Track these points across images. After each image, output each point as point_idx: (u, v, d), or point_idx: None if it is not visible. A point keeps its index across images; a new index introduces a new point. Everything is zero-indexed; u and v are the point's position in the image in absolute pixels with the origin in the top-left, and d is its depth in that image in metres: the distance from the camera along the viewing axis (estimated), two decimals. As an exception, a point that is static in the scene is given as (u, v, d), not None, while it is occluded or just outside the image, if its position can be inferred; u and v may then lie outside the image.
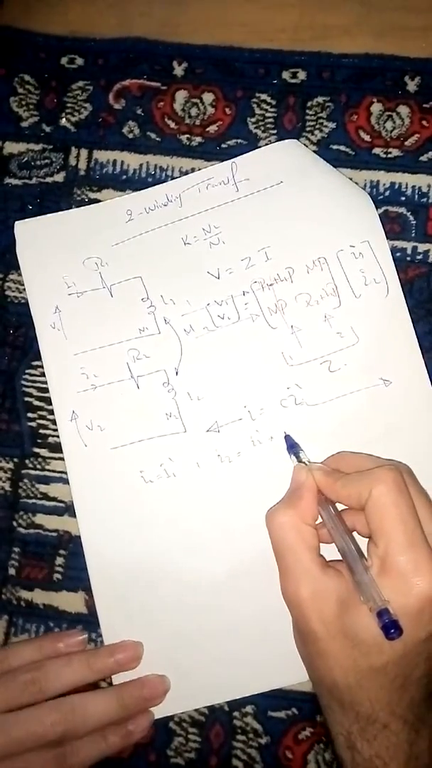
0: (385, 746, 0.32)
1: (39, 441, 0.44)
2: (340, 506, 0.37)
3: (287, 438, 0.41)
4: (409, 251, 0.45)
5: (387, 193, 0.46)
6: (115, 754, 0.39)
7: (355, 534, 0.36)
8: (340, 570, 0.35)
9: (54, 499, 0.44)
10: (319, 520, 0.37)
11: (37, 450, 0.44)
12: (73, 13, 0.49)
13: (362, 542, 0.36)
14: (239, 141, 0.47)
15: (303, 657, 0.36)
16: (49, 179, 0.47)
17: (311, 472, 0.37)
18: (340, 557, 0.35)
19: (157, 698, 0.39)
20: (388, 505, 0.33)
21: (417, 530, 0.33)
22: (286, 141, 0.46)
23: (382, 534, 0.33)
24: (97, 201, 0.47)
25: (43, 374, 0.44)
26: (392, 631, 0.31)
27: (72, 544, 0.43)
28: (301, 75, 0.47)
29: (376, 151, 0.46)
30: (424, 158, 0.46)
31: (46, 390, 0.44)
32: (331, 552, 0.36)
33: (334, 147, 0.46)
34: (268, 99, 0.47)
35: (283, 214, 0.44)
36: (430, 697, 0.34)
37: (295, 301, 0.43)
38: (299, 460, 0.39)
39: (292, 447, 0.40)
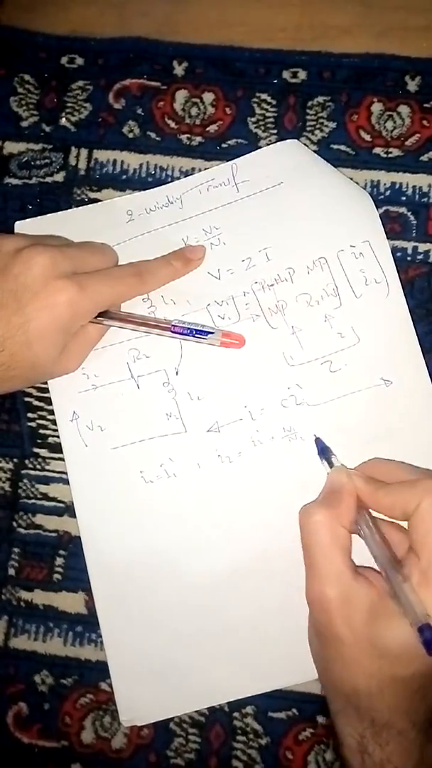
0: (398, 751, 0.32)
1: (39, 441, 0.44)
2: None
3: (318, 441, 0.40)
4: (409, 251, 0.45)
5: (387, 193, 0.46)
6: (117, 754, 0.39)
7: None
8: (371, 579, 0.34)
9: (54, 499, 0.44)
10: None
11: (36, 450, 0.44)
12: (73, 12, 0.49)
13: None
14: (239, 141, 0.47)
15: (319, 659, 0.36)
16: (49, 179, 0.47)
17: (352, 476, 0.36)
18: (367, 567, 0.35)
19: (198, 257, 0.43)
20: None
21: None
22: (287, 141, 0.46)
23: (426, 547, 0.33)
24: (97, 201, 0.47)
25: (43, 374, 0.44)
26: None
27: (72, 545, 0.43)
28: (302, 75, 0.47)
29: (377, 150, 0.46)
30: (424, 158, 0.46)
31: (46, 390, 0.44)
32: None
33: (335, 147, 0.46)
34: (269, 99, 0.47)
35: (283, 215, 0.44)
36: None
37: (296, 302, 0.43)
38: (331, 464, 0.39)
39: (323, 451, 0.39)
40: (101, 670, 0.41)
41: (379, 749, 0.32)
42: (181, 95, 0.48)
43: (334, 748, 0.35)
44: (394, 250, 0.44)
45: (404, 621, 0.32)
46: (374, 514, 0.36)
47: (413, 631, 0.31)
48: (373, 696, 0.33)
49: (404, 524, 0.35)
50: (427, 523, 0.33)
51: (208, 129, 0.47)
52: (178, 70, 0.48)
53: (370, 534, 0.35)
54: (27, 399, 0.45)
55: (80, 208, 0.46)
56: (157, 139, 0.47)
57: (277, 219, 0.44)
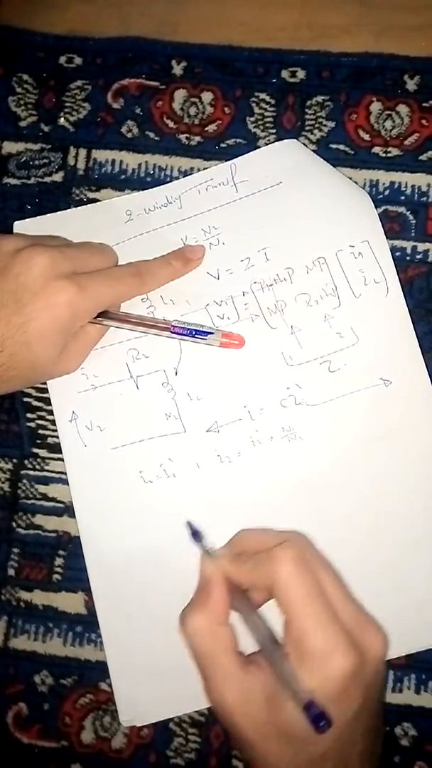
0: None
1: (38, 441, 0.44)
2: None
3: (189, 524, 0.37)
4: (408, 251, 0.45)
5: (386, 193, 0.46)
6: (117, 754, 0.39)
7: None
8: (262, 664, 0.33)
9: (53, 499, 0.44)
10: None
11: (36, 450, 0.44)
12: (72, 12, 0.49)
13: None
14: (238, 140, 0.47)
15: (246, 760, 0.35)
16: (47, 179, 0.47)
17: (217, 562, 0.35)
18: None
19: (198, 257, 0.43)
20: (292, 587, 0.32)
21: (324, 608, 0.32)
22: (286, 141, 0.46)
23: (292, 618, 0.32)
24: (96, 201, 0.47)
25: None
26: (322, 723, 0.29)
27: (71, 545, 0.43)
28: (301, 74, 0.47)
29: (376, 150, 0.46)
30: (423, 157, 0.46)
31: (45, 390, 0.44)
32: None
33: (334, 146, 0.46)
34: (268, 98, 0.47)
35: (282, 215, 0.44)
36: (372, 765, 0.33)
37: (295, 302, 0.43)
38: (204, 549, 0.36)
39: (196, 535, 0.37)
40: (101, 670, 0.41)
41: None
42: (179, 95, 0.48)
43: None
44: (393, 250, 0.44)
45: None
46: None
47: (301, 713, 0.30)
48: None
49: None
50: (286, 594, 0.32)
51: (206, 129, 0.47)
52: (177, 69, 0.48)
53: (246, 617, 0.34)
54: (26, 399, 0.45)
55: (79, 208, 0.46)
56: (156, 138, 0.47)
57: (276, 219, 0.44)
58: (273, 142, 0.46)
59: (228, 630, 0.34)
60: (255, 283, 0.44)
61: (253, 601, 0.35)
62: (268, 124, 0.47)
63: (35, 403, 0.45)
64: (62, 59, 0.48)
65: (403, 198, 0.46)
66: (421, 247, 0.45)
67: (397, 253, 0.45)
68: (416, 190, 0.46)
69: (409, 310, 0.43)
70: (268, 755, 0.32)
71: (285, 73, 0.47)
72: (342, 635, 0.31)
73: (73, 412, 0.43)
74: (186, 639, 0.34)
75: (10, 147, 0.48)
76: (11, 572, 0.43)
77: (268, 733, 0.32)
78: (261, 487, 0.42)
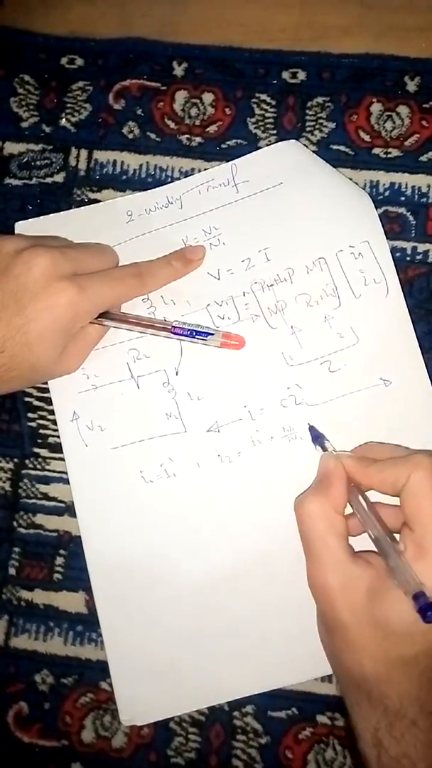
0: (413, 744, 0.32)
1: (39, 441, 0.44)
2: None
3: (311, 429, 0.41)
4: (408, 251, 0.45)
5: (387, 193, 0.46)
6: (117, 753, 0.39)
7: None
8: (370, 560, 0.34)
9: (54, 499, 0.44)
10: (348, 509, 0.37)
11: (37, 450, 0.44)
12: (73, 13, 0.49)
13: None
14: (239, 141, 0.47)
15: (329, 650, 0.36)
16: (49, 179, 0.47)
17: (340, 460, 0.37)
18: (367, 549, 0.35)
19: (198, 257, 0.43)
20: (426, 490, 0.33)
21: None
22: (286, 141, 0.46)
23: (419, 518, 0.33)
24: (97, 201, 0.47)
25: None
26: (429, 613, 0.31)
27: (72, 544, 0.43)
28: (301, 75, 0.47)
29: (376, 151, 0.46)
30: (423, 158, 0.46)
31: (46, 390, 0.44)
32: (358, 545, 0.36)
33: (334, 147, 0.46)
34: (268, 99, 0.47)
35: (282, 215, 0.44)
36: None
37: (295, 302, 0.43)
38: (324, 450, 0.39)
39: (317, 438, 0.40)
40: (101, 669, 0.41)
41: (395, 743, 0.32)
42: (180, 96, 0.48)
43: (351, 744, 0.35)
44: (393, 250, 0.44)
45: (403, 597, 0.32)
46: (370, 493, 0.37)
47: (410, 602, 0.31)
48: (381, 682, 0.33)
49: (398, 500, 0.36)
50: (417, 495, 0.33)
51: (207, 129, 0.47)
52: (178, 70, 0.48)
53: (364, 513, 0.36)
54: (27, 399, 0.45)
55: (80, 208, 0.46)
56: (157, 139, 0.47)
57: (276, 219, 0.44)
58: (274, 142, 0.46)
59: (343, 520, 0.35)
60: (255, 283, 0.44)
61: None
62: (268, 125, 0.47)
63: (36, 403, 0.45)
64: (64, 60, 0.49)
65: (403, 199, 0.46)
66: (421, 247, 0.45)
67: (397, 254, 0.45)
68: (416, 191, 0.46)
69: (409, 311, 0.43)
70: (360, 643, 0.33)
71: (286, 74, 0.47)
72: None
73: (74, 412, 0.43)
74: (300, 521, 0.36)
75: (12, 148, 0.48)
76: (12, 571, 0.43)
77: (365, 621, 0.33)
78: (261, 486, 0.42)
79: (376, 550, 0.35)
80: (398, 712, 0.32)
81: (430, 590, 0.31)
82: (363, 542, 0.36)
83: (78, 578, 0.42)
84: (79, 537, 0.42)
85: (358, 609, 0.33)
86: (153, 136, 0.47)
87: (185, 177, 0.46)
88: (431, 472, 0.33)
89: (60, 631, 0.43)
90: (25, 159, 0.48)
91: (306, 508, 0.35)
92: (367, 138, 0.46)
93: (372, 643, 0.33)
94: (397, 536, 0.35)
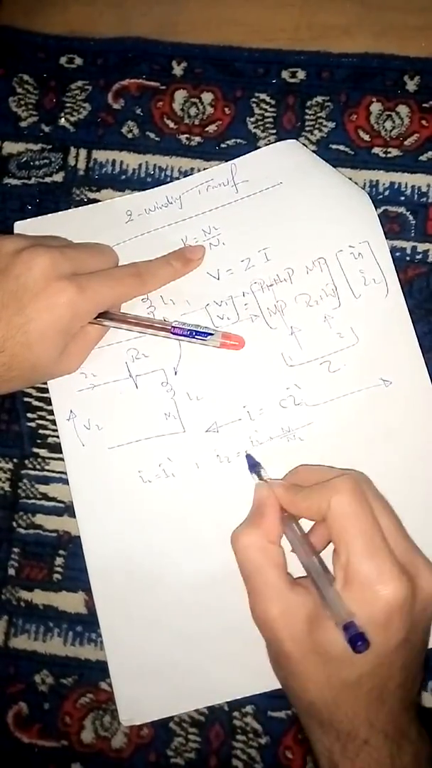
0: (367, 763, 0.32)
1: (38, 441, 0.44)
2: (306, 523, 0.37)
3: (248, 457, 0.41)
4: (408, 251, 0.45)
5: (386, 193, 0.46)
6: (117, 753, 0.39)
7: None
8: (308, 587, 0.34)
9: (53, 499, 0.44)
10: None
11: (36, 450, 0.44)
12: (72, 12, 0.49)
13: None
14: (238, 141, 0.47)
15: (279, 678, 0.36)
16: (48, 179, 0.47)
17: (272, 488, 0.37)
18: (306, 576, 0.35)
19: (198, 257, 0.43)
20: (347, 514, 0.33)
21: (377, 538, 0.33)
22: (286, 141, 0.46)
23: (343, 544, 0.33)
24: (96, 201, 0.47)
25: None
26: (359, 643, 0.30)
27: (71, 545, 0.43)
28: (301, 74, 0.47)
29: (376, 150, 0.46)
30: (423, 158, 0.46)
31: (46, 390, 0.44)
32: (298, 569, 0.36)
33: (334, 147, 0.46)
34: (268, 99, 0.47)
35: (282, 215, 0.44)
36: (409, 708, 0.34)
37: (295, 302, 0.43)
38: (260, 478, 0.39)
39: (254, 466, 0.40)
40: (101, 669, 0.41)
41: (350, 763, 0.32)
42: (180, 95, 0.48)
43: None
44: (393, 250, 0.44)
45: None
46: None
47: (341, 632, 0.31)
48: (329, 706, 0.33)
49: None
50: (339, 519, 0.33)
51: (207, 129, 0.47)
52: (177, 70, 0.48)
53: (296, 542, 0.36)
54: (26, 399, 0.45)
55: (79, 208, 0.46)
56: (156, 139, 0.47)
57: (276, 219, 0.44)
58: (273, 142, 0.46)
59: (279, 549, 0.35)
60: (255, 283, 0.44)
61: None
62: (268, 125, 0.47)
63: (36, 403, 0.45)
64: (63, 60, 0.48)
65: (402, 198, 0.46)
66: (421, 247, 0.45)
67: (397, 254, 0.45)
68: (416, 191, 0.46)
69: (409, 311, 0.43)
70: (303, 671, 0.33)
71: (285, 74, 0.47)
72: (393, 566, 0.32)
73: (71, 411, 0.43)
74: (237, 554, 0.36)
75: (11, 147, 0.48)
76: (12, 572, 0.43)
77: (307, 649, 0.33)
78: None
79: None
80: (350, 733, 0.32)
81: (359, 617, 0.31)
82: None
83: (77, 578, 0.42)
84: (79, 537, 0.42)
85: (299, 637, 0.33)
86: (152, 135, 0.47)
87: (185, 177, 0.46)
88: (350, 494, 0.33)
89: (59, 632, 0.43)
90: (24, 159, 0.48)
91: (241, 542, 0.35)
92: (366, 137, 0.46)
93: (315, 670, 0.33)
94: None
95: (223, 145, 0.47)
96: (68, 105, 0.48)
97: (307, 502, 0.35)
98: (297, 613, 0.33)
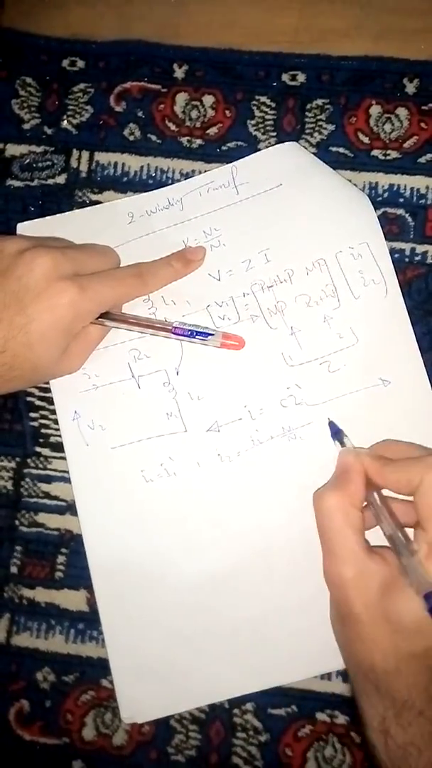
0: (420, 733, 0.33)
1: (41, 440, 0.45)
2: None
3: (331, 424, 0.41)
4: (407, 252, 0.45)
5: (386, 195, 0.46)
6: (118, 751, 0.39)
7: None
8: (385, 556, 0.35)
9: (56, 498, 0.44)
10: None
11: (38, 449, 0.45)
12: (74, 15, 0.50)
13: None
14: (239, 143, 0.47)
15: (340, 640, 0.37)
16: (50, 181, 0.48)
17: (359, 456, 0.38)
18: (382, 546, 0.36)
19: (198, 258, 0.44)
20: None
21: None
22: (286, 143, 0.46)
23: (431, 519, 0.34)
24: (98, 203, 0.47)
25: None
26: None
27: (73, 543, 0.43)
28: (301, 77, 0.48)
29: (375, 153, 0.47)
30: (422, 160, 0.46)
31: (48, 390, 0.44)
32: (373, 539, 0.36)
33: (334, 149, 0.47)
34: (268, 101, 0.48)
35: (282, 216, 0.45)
36: None
37: (295, 302, 0.44)
38: (343, 446, 0.40)
39: (337, 433, 0.40)
40: (102, 667, 0.42)
41: (402, 731, 0.33)
42: (181, 98, 0.48)
43: (360, 730, 0.36)
44: (392, 252, 0.44)
45: (415, 594, 0.33)
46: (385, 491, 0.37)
47: (421, 601, 0.32)
48: (390, 674, 0.33)
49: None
50: (429, 495, 0.34)
51: (208, 131, 0.48)
52: (179, 72, 0.48)
53: (379, 511, 0.36)
54: (29, 399, 0.45)
55: (82, 210, 0.46)
56: (158, 141, 0.48)
57: (276, 220, 0.45)
58: (273, 144, 0.47)
59: (360, 515, 0.36)
60: (255, 284, 0.44)
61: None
62: (268, 127, 0.47)
63: (38, 403, 0.45)
64: (65, 62, 0.49)
65: (402, 200, 0.46)
66: (420, 248, 0.45)
67: (396, 255, 0.45)
68: (415, 193, 0.46)
69: (408, 311, 0.43)
70: (371, 636, 0.34)
71: (285, 77, 0.48)
72: None
73: (75, 412, 0.43)
74: (318, 514, 0.36)
75: (14, 149, 0.48)
76: (14, 570, 0.44)
77: (378, 616, 0.33)
78: (261, 486, 0.42)
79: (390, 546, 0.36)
80: (406, 703, 0.33)
81: None
82: (378, 537, 0.37)
83: (79, 576, 0.43)
84: (81, 535, 0.42)
85: (371, 602, 0.34)
86: (154, 138, 0.48)
87: (186, 179, 0.47)
88: None
89: (61, 629, 0.43)
90: (27, 161, 0.48)
91: (325, 502, 0.36)
92: (366, 140, 0.47)
93: (383, 637, 0.33)
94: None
95: (223, 148, 0.47)
96: (70, 107, 0.48)
97: (398, 474, 0.36)
98: (372, 579, 0.34)
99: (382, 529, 0.36)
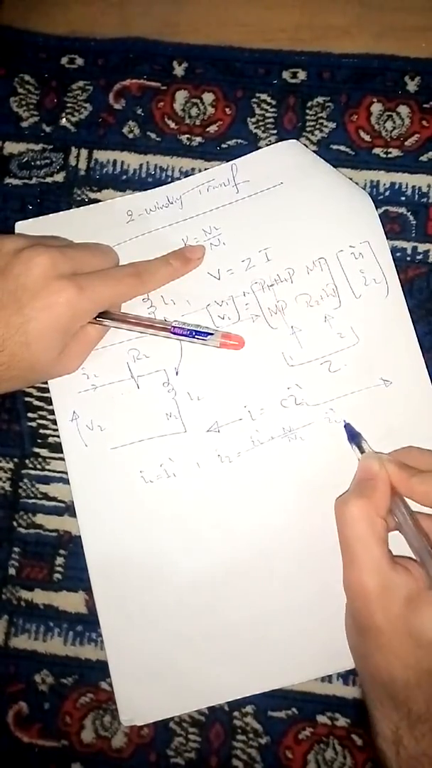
0: None
1: (39, 441, 0.44)
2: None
3: (347, 427, 0.40)
4: (409, 251, 0.45)
5: (387, 193, 0.46)
6: (117, 753, 0.39)
7: None
8: (409, 567, 0.34)
9: (54, 499, 0.44)
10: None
11: (37, 450, 0.44)
12: (73, 13, 0.49)
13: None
14: (239, 141, 0.47)
15: (358, 650, 0.36)
16: (49, 179, 0.47)
17: (384, 463, 0.37)
18: (406, 556, 0.35)
19: (198, 257, 0.43)
20: None
21: None
22: (286, 141, 0.46)
23: None
24: (97, 201, 0.47)
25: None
26: None
27: (72, 544, 0.43)
28: (302, 75, 0.47)
29: (376, 151, 0.46)
30: (424, 158, 0.46)
31: (47, 390, 0.44)
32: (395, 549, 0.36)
33: (334, 147, 0.46)
34: (268, 99, 0.47)
35: (283, 215, 0.44)
36: None
37: (296, 302, 0.43)
38: (362, 450, 0.39)
39: (354, 437, 0.40)
40: (101, 669, 0.41)
41: (415, 742, 0.32)
42: (181, 95, 0.48)
43: (370, 738, 0.35)
44: (393, 250, 0.44)
45: None
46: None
47: None
48: (410, 687, 0.33)
49: None
50: None
51: (208, 129, 0.47)
52: (178, 70, 0.48)
53: (405, 522, 0.35)
54: (27, 399, 0.45)
55: (80, 208, 0.46)
56: (157, 139, 0.47)
57: (276, 219, 0.44)
58: (274, 142, 0.46)
59: (384, 524, 0.35)
60: (255, 283, 0.44)
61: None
62: (269, 125, 0.47)
63: (36, 403, 0.45)
64: (64, 60, 0.49)
65: (403, 199, 0.46)
66: (422, 247, 0.45)
67: (398, 254, 0.45)
68: (417, 191, 0.46)
69: (410, 311, 0.43)
70: (392, 649, 0.33)
71: (286, 74, 0.47)
72: None
73: (74, 412, 0.43)
74: (341, 522, 0.35)
75: (12, 147, 0.48)
76: (12, 571, 0.43)
77: (400, 628, 0.33)
78: (261, 487, 0.42)
79: (415, 558, 0.35)
80: (421, 716, 0.33)
81: None
82: (400, 546, 0.36)
83: (78, 578, 0.42)
84: (79, 537, 0.42)
85: (394, 615, 0.33)
86: (153, 135, 0.47)
87: (185, 177, 0.46)
88: None
89: (60, 631, 0.43)
90: (25, 159, 0.48)
91: (349, 510, 0.35)
92: (367, 138, 0.46)
93: (405, 650, 0.33)
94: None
95: (223, 146, 0.47)
96: (69, 105, 0.48)
97: (425, 486, 0.35)
98: (396, 591, 0.33)
99: (407, 540, 0.35)
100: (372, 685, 0.35)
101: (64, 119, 0.48)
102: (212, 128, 0.47)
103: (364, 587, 0.34)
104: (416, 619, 0.33)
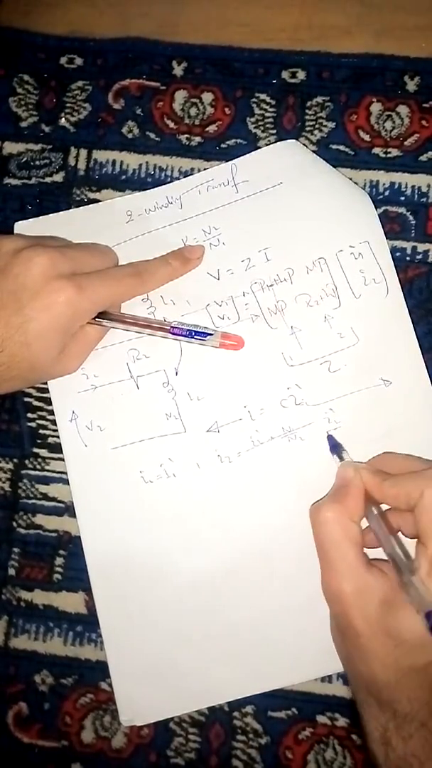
0: (421, 745, 0.32)
1: (39, 441, 0.44)
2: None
3: (330, 438, 0.41)
4: (408, 251, 0.45)
5: (386, 193, 0.46)
6: (117, 754, 0.39)
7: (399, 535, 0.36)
8: (384, 570, 0.35)
9: (54, 499, 0.44)
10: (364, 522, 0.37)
11: (36, 450, 0.44)
12: (73, 13, 0.49)
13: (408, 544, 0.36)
14: (239, 141, 0.47)
15: (341, 652, 0.36)
16: (48, 179, 0.47)
17: (358, 470, 0.37)
18: (380, 559, 0.35)
19: (197, 257, 0.43)
20: None
21: None
22: (286, 141, 0.46)
23: (431, 535, 0.33)
24: (96, 201, 0.47)
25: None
26: None
27: (72, 545, 0.43)
28: (301, 75, 0.47)
29: (376, 150, 0.46)
30: (423, 158, 0.46)
31: (46, 390, 0.44)
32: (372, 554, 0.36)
33: (334, 147, 0.46)
34: (268, 99, 0.47)
35: (282, 215, 0.44)
36: None
37: (295, 302, 0.43)
38: (342, 459, 0.39)
39: (335, 447, 0.40)
40: (101, 669, 0.41)
41: (403, 743, 0.33)
42: (180, 95, 0.48)
43: (362, 740, 0.36)
44: (393, 250, 0.44)
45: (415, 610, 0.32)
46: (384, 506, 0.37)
47: (422, 620, 0.32)
48: (392, 687, 0.33)
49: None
50: (430, 511, 0.33)
51: (207, 129, 0.47)
52: (178, 70, 0.48)
53: (378, 526, 0.36)
54: (27, 399, 0.45)
55: (80, 208, 0.46)
56: (157, 139, 0.47)
57: (276, 219, 0.44)
58: (273, 142, 0.46)
59: (358, 528, 0.36)
60: (255, 283, 0.44)
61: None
62: (268, 125, 0.47)
63: (36, 403, 0.45)
64: (63, 60, 0.48)
65: (403, 198, 0.46)
66: (421, 247, 0.45)
67: (397, 254, 0.45)
68: (416, 191, 0.46)
69: (409, 311, 0.43)
70: (371, 650, 0.33)
71: (285, 74, 0.47)
72: None
73: (74, 412, 0.43)
74: (316, 527, 0.36)
75: (11, 147, 0.48)
76: (12, 572, 0.43)
77: (378, 630, 0.33)
78: (260, 487, 0.42)
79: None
80: (407, 715, 0.33)
81: None
82: (378, 550, 0.36)
83: (78, 578, 0.42)
84: (79, 537, 0.42)
85: (371, 617, 0.33)
86: (152, 135, 0.47)
87: (185, 177, 0.46)
88: None
89: (60, 632, 0.43)
90: (25, 159, 0.48)
91: (322, 515, 0.36)
92: (366, 138, 0.46)
93: (383, 651, 0.33)
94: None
95: (223, 146, 0.47)
96: (68, 105, 0.48)
97: (397, 489, 0.35)
98: (371, 593, 0.34)
99: (381, 545, 0.36)
100: (357, 687, 0.35)
101: (63, 119, 0.48)
102: (211, 128, 0.47)
103: (341, 591, 0.34)
104: (392, 620, 0.33)
